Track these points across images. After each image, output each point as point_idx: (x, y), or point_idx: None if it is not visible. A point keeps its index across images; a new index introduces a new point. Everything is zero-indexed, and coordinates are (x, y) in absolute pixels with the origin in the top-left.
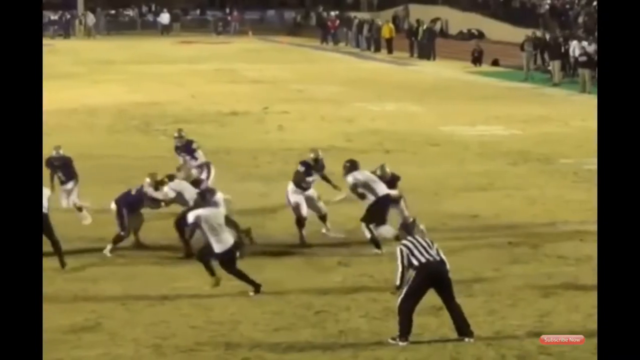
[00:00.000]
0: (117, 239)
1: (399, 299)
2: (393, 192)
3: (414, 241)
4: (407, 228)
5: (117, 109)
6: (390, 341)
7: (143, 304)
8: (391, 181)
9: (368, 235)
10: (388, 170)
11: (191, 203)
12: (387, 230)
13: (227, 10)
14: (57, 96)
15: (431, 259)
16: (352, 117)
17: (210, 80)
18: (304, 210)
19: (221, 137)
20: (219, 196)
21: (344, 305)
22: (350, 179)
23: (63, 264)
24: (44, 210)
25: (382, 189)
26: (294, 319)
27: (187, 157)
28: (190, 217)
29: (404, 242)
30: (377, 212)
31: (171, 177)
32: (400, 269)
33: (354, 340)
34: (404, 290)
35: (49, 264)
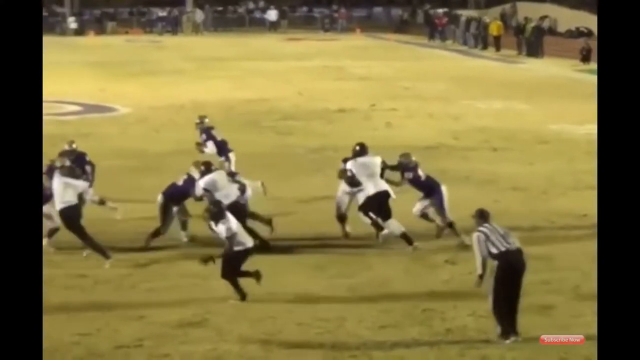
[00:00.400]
0: (155, 233)
1: (491, 299)
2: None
3: (491, 228)
4: (483, 215)
5: (225, 106)
6: (498, 340)
7: (250, 300)
8: (414, 167)
9: (368, 221)
10: (413, 158)
11: (225, 200)
12: (395, 227)
13: (335, 7)
14: (165, 92)
15: (510, 247)
16: (460, 115)
17: (318, 77)
18: (342, 207)
19: (328, 134)
20: (249, 193)
21: (451, 303)
22: (348, 164)
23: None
24: (75, 201)
25: (379, 184)
26: (400, 316)
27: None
28: (234, 225)
29: (481, 229)
30: (375, 205)
31: (208, 166)
32: (480, 257)
33: (461, 338)
34: (492, 289)
35: (158, 257)
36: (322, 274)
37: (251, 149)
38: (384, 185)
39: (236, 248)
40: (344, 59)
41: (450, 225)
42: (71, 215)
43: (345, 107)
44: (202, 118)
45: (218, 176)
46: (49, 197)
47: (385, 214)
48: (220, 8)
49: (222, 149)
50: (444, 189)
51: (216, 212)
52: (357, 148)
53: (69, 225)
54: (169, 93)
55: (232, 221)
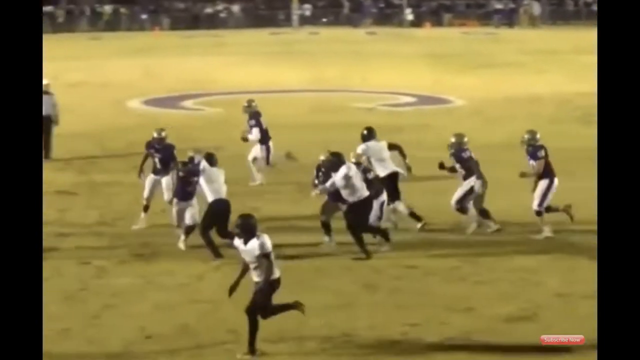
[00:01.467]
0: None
1: None
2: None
3: None
4: None
5: (560, 99)
6: None
7: (579, 297)
8: (541, 146)
9: (406, 211)
10: (538, 136)
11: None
12: (402, 208)
13: None
14: (500, 85)
15: None
16: None
17: None
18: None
19: None
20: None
21: None
22: (359, 150)
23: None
24: (223, 196)
25: (388, 165)
26: None
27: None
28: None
29: None
30: (393, 188)
31: (340, 157)
32: None
33: None
34: None
35: (487, 250)
36: None
37: (587, 144)
38: (393, 167)
39: (272, 277)
40: None
41: (540, 213)
42: (222, 207)
43: None
44: (250, 102)
45: (353, 167)
46: (193, 192)
47: (394, 195)
48: (557, 0)
49: (265, 137)
50: (556, 180)
51: (248, 227)
52: (365, 132)
53: (217, 217)
54: (504, 86)
55: (266, 239)
